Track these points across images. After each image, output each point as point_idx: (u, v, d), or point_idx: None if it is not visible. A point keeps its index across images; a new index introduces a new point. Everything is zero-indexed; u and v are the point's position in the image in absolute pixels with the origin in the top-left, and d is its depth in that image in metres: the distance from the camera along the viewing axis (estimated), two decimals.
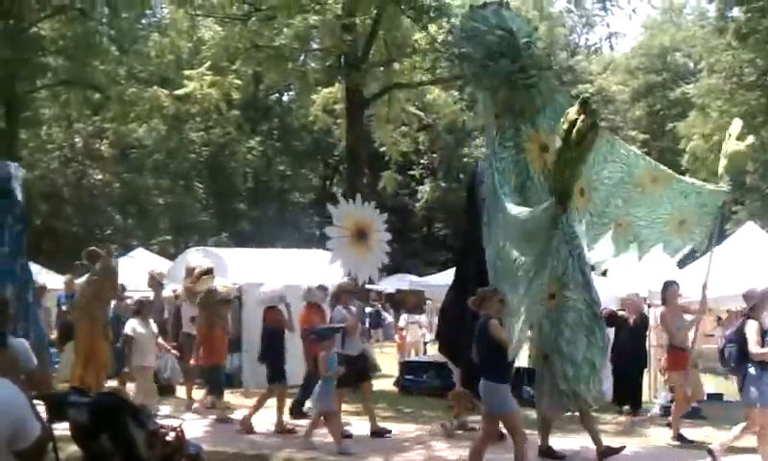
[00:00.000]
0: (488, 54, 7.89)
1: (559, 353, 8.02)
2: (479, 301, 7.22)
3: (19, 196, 9.22)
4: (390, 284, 31.41)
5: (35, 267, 22.16)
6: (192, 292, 11.54)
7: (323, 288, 10.95)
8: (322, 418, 8.70)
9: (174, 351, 11.93)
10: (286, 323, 10.23)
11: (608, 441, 9.06)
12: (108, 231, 32.19)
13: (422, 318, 20.49)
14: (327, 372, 8.56)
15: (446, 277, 14.26)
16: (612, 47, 51.12)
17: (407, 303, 21.97)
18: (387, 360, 17.86)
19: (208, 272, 11.86)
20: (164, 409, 10.16)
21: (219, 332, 10.80)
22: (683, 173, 32.89)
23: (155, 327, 10.45)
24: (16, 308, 8.94)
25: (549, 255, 7.05)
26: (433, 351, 18.93)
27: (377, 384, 14.29)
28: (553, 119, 7.68)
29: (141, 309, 10.31)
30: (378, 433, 9.34)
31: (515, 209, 7.37)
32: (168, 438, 5.33)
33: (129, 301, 14.39)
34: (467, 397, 9.54)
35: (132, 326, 10.05)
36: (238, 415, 10.39)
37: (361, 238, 9.22)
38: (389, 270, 37.02)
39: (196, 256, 14.77)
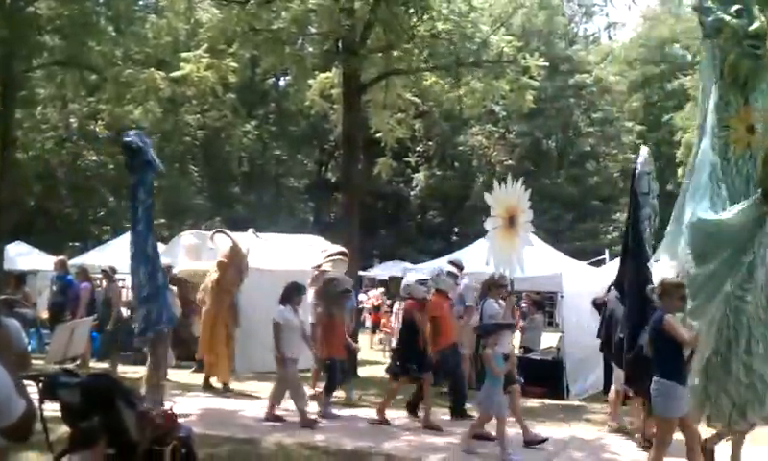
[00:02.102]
0: (733, 7, 7.11)
1: (735, 362, 6.79)
2: (660, 291, 6.62)
3: (153, 167, 8.83)
4: (383, 271, 31.46)
5: (26, 247, 22.22)
6: (320, 272, 10.92)
7: (453, 276, 10.51)
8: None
9: None
10: (413, 315, 9.32)
11: (596, 431, 9.12)
12: (102, 213, 32.12)
13: None
14: (496, 370, 7.72)
15: (439, 264, 14.27)
16: (610, 37, 51.11)
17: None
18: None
19: (343, 253, 11.31)
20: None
21: (339, 324, 10.24)
22: (677, 165, 33.04)
23: (302, 316, 9.79)
24: (148, 291, 8.74)
25: (749, 257, 6.50)
26: None
27: (368, 371, 14.36)
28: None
29: (291, 295, 9.46)
30: (531, 442, 8.28)
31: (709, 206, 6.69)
32: (158, 420, 5.33)
33: (120, 284, 14.41)
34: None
35: (282, 313, 9.28)
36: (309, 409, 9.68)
37: (511, 224, 9.08)
38: (382, 257, 37.14)
39: (189, 239, 14.78)
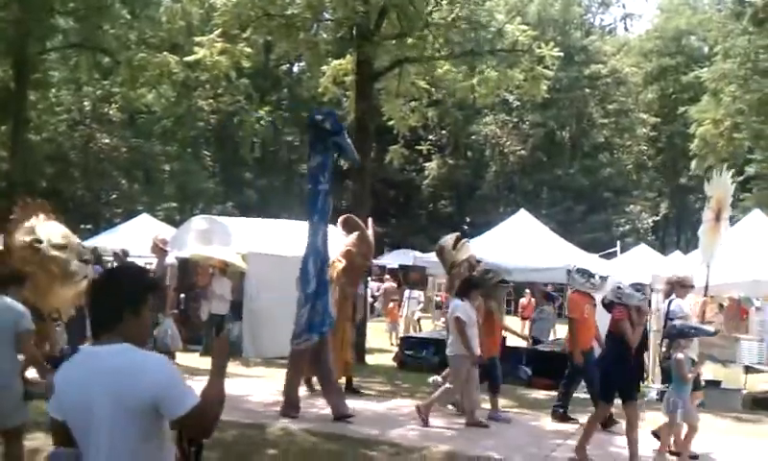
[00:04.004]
0: None
1: None
2: None
3: (346, 153, 8.20)
4: (393, 259, 31.45)
5: None
6: (455, 264, 10.13)
7: (585, 273, 9.23)
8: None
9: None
10: (621, 327, 7.41)
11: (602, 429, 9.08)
12: (114, 196, 32.22)
13: (420, 294, 20.74)
14: (687, 376, 7.29)
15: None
16: (626, 28, 50.77)
17: (410, 278, 22.08)
18: (379, 334, 17.93)
19: (460, 239, 10.50)
20: None
21: (497, 320, 9.56)
22: (690, 158, 32.82)
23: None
24: (316, 287, 8.18)
25: None
26: (429, 327, 19.12)
27: (375, 359, 14.38)
28: None
29: (468, 289, 8.73)
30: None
31: None
32: None
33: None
34: None
35: (463, 308, 8.55)
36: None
37: (717, 220, 8.91)
38: (392, 245, 37.10)
39: (200, 224, 14.80)
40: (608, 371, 7.34)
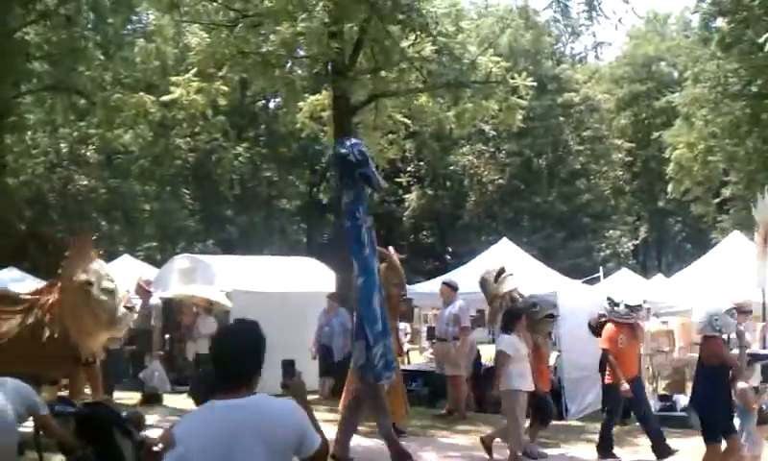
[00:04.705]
0: None
1: None
2: None
3: (373, 183, 7.79)
4: None
5: (19, 273, 22.12)
6: (497, 297, 9.88)
7: (612, 302, 8.89)
8: None
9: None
10: (730, 358, 7.24)
11: (595, 452, 9.06)
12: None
13: (406, 326, 20.65)
14: (752, 404, 7.12)
15: (433, 285, 14.27)
16: (597, 56, 51.50)
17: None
18: None
19: (503, 271, 10.17)
20: (151, 418, 10.03)
21: (545, 354, 9.30)
22: (667, 182, 33.23)
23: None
24: (383, 326, 7.74)
25: None
26: (417, 360, 19.05)
27: None
28: None
29: (513, 322, 8.40)
30: None
31: None
32: (156, 448, 5.28)
33: None
34: None
35: (510, 342, 8.24)
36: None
37: (766, 243, 8.86)
38: None
39: (183, 263, 14.72)
40: (706, 409, 7.04)
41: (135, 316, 10.88)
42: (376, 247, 8.02)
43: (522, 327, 8.42)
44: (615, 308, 8.62)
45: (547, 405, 9.11)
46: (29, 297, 8.81)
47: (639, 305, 8.66)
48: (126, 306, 8.04)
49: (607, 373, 8.65)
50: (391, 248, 9.47)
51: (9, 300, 8.92)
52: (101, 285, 7.88)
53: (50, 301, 8.39)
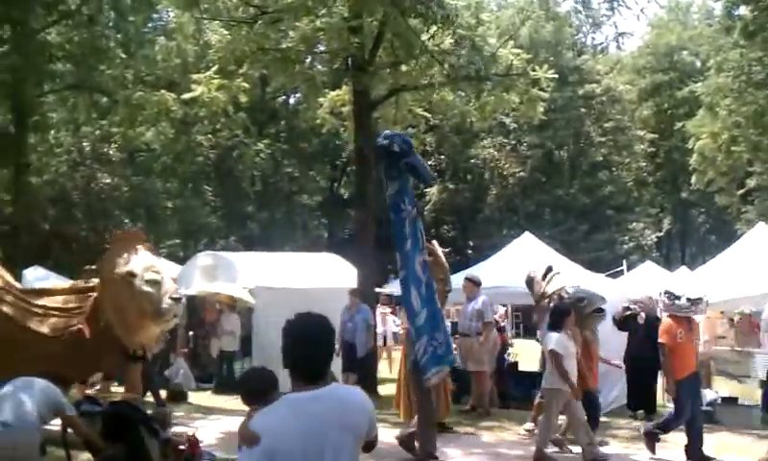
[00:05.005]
0: None
1: None
2: None
3: (420, 174, 7.67)
4: (398, 287, 31.30)
5: (43, 271, 22.37)
6: (545, 295, 9.79)
7: (672, 296, 8.52)
8: None
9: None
10: None
11: (621, 447, 9.00)
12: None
13: None
14: None
15: (455, 280, 14.20)
16: (619, 47, 50.94)
17: None
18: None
19: (550, 270, 10.11)
20: (176, 415, 10.06)
21: (595, 351, 9.12)
22: (690, 173, 32.89)
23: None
24: (425, 318, 7.51)
25: None
26: None
27: (387, 389, 14.25)
28: None
29: (562, 320, 8.22)
30: None
31: None
32: (182, 447, 5.31)
33: None
34: None
35: (559, 340, 8.06)
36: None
37: None
38: (397, 272, 37.06)
39: (205, 260, 14.79)
40: None
41: (182, 307, 10.84)
42: (422, 238, 7.82)
43: (570, 324, 8.23)
44: (676, 302, 8.33)
45: (597, 404, 8.94)
46: (72, 296, 8.67)
47: (700, 298, 8.41)
48: (172, 297, 7.98)
49: (672, 368, 8.26)
50: (435, 242, 9.34)
51: (52, 295, 8.79)
52: (144, 277, 7.85)
53: (90, 298, 8.30)
